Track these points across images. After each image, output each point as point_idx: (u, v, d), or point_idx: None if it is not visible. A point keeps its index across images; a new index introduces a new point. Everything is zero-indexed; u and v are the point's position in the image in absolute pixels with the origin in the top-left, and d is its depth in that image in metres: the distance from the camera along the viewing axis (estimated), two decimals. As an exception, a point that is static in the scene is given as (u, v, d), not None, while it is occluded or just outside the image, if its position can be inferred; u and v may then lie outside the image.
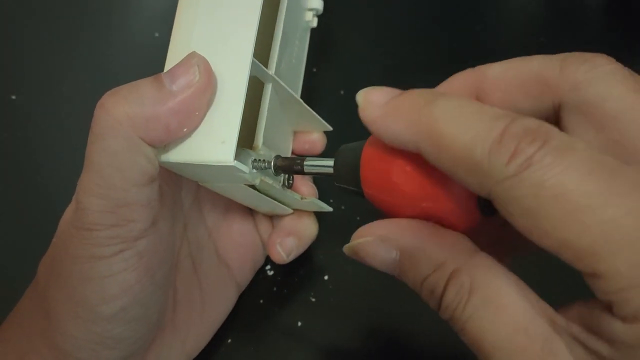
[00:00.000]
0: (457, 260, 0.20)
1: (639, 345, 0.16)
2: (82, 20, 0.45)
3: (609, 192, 0.16)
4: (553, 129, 0.17)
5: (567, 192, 0.16)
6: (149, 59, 0.43)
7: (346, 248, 0.23)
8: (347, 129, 0.35)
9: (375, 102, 0.20)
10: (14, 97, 0.42)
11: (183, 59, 0.25)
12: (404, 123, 0.19)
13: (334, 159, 0.25)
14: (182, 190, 0.31)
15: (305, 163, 0.26)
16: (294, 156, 0.31)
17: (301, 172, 0.27)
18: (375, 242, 0.22)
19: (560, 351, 0.17)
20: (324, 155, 0.34)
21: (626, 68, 0.20)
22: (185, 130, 0.24)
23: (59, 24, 0.45)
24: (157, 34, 0.44)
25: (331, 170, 0.25)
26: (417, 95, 0.20)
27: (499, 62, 0.23)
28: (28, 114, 0.42)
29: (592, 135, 0.20)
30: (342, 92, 0.42)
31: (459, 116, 0.18)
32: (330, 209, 0.32)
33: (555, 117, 0.22)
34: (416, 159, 0.20)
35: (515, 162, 0.17)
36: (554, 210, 0.16)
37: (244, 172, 0.25)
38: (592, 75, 0.20)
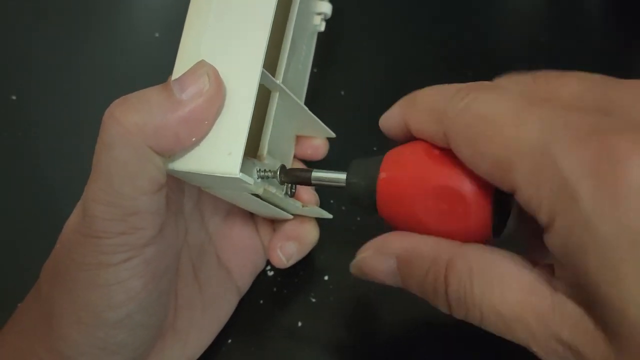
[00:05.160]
0: (448, 251, 0.21)
1: (563, 252, 0.17)
2: (82, 20, 0.45)
3: (526, 115, 0.19)
4: (506, 86, 0.21)
5: (495, 115, 0.20)
6: (149, 59, 0.43)
7: (352, 267, 0.24)
8: (347, 130, 0.35)
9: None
10: (14, 97, 0.42)
11: (192, 67, 0.24)
12: (399, 108, 0.24)
13: (345, 175, 0.25)
14: (184, 196, 0.31)
15: (313, 175, 0.26)
16: (300, 167, 0.31)
17: (308, 184, 0.27)
18: (374, 254, 0.23)
19: (563, 301, 0.18)
20: (325, 159, 0.34)
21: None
22: (193, 139, 0.24)
23: (59, 24, 0.45)
24: (157, 34, 0.44)
25: (340, 184, 0.25)
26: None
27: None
28: (28, 114, 0.42)
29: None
30: (342, 93, 0.42)
31: (436, 89, 0.23)
32: (330, 216, 0.32)
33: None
34: (435, 192, 0.21)
35: (465, 99, 0.20)
36: (486, 131, 0.19)
37: (249, 184, 0.25)
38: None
